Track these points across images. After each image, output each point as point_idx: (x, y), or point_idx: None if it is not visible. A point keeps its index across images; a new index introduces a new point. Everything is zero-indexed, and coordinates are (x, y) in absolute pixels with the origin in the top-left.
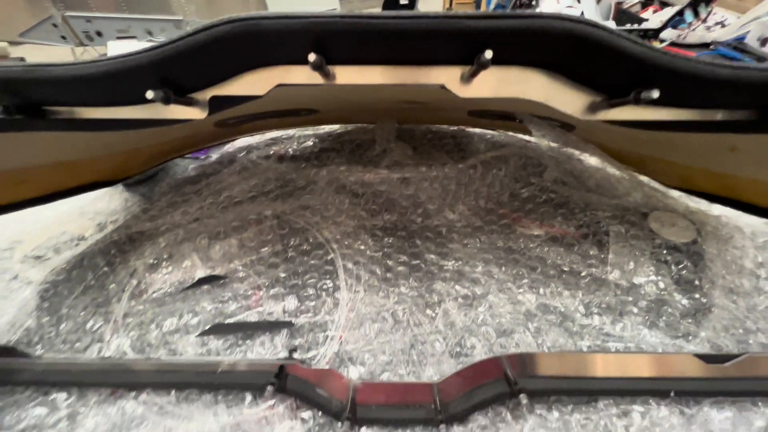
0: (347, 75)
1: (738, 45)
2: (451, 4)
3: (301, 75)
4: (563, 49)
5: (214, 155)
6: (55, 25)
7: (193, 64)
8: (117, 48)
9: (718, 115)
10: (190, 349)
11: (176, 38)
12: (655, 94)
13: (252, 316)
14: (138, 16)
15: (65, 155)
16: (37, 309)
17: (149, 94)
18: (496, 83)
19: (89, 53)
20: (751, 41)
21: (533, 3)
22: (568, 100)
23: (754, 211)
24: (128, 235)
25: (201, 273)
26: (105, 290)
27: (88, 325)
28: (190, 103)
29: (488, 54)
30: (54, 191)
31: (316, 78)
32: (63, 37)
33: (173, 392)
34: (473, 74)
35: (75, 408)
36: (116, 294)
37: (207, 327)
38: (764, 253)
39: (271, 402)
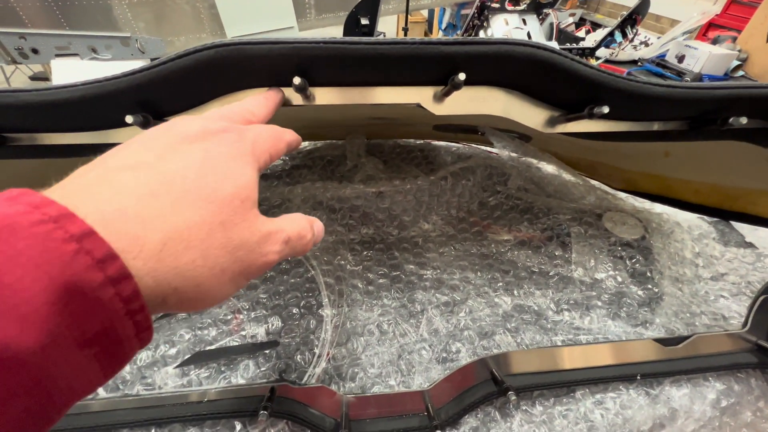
0: (327, 96)
1: (660, 61)
2: (406, 22)
3: None
4: (526, 71)
5: None
6: None
7: (175, 87)
8: (62, 67)
9: (655, 126)
10: (170, 382)
11: (159, 62)
12: (606, 109)
13: (234, 341)
14: (79, 32)
15: (10, 185)
16: None
17: (129, 119)
18: (467, 101)
19: (21, 71)
20: (670, 58)
21: (485, 24)
22: (530, 115)
23: (687, 207)
24: None
25: None
26: None
27: None
28: None
29: (461, 76)
30: None
31: (297, 99)
32: None
33: (153, 430)
34: (446, 94)
35: None
36: None
37: (187, 356)
38: (699, 244)
39: (262, 427)
